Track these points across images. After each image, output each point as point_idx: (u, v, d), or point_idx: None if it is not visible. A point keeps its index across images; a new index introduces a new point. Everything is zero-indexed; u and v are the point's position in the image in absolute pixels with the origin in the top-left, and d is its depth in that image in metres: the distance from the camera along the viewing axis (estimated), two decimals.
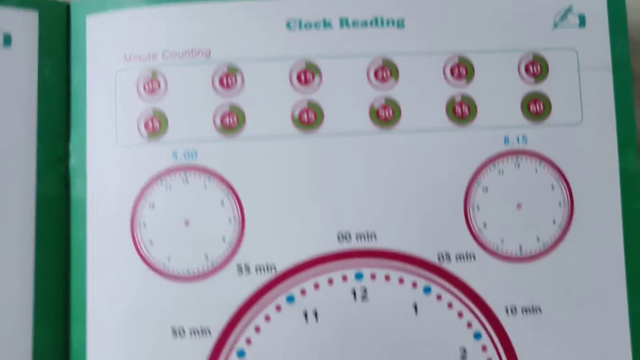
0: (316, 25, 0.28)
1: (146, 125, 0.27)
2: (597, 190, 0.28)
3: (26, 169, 0.26)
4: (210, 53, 0.27)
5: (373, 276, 0.27)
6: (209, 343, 0.26)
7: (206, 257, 0.26)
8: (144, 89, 0.27)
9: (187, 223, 0.26)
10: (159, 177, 0.27)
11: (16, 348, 0.25)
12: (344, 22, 0.28)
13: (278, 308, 0.26)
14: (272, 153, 0.27)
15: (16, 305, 0.25)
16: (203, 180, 0.27)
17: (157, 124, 0.27)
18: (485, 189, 0.27)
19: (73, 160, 0.27)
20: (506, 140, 0.28)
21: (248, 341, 0.26)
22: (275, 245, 0.27)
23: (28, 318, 0.25)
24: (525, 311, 0.27)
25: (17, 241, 0.26)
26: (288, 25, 0.28)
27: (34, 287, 0.26)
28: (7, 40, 0.26)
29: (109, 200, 0.27)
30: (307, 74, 0.27)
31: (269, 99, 0.27)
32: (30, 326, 0.25)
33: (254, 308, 0.26)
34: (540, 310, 0.27)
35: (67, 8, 0.28)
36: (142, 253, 0.26)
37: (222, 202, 0.27)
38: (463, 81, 0.28)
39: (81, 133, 0.27)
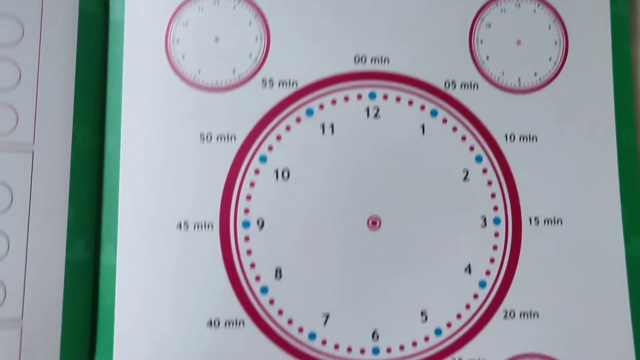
0: None
1: None
2: (589, 32, 0.30)
3: None
4: None
5: (385, 97, 0.29)
6: (234, 148, 0.29)
7: (234, 70, 0.29)
8: None
9: (217, 40, 0.29)
10: None
11: None
12: None
13: (298, 120, 0.29)
14: None
15: None
16: (233, 2, 0.29)
17: None
18: (488, 25, 0.30)
19: None
20: None
21: (270, 148, 0.29)
22: (297, 63, 0.29)
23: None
24: (523, 139, 0.30)
25: None
26: None
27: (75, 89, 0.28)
28: None
29: (146, 19, 0.29)
30: None
31: None
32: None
33: (276, 118, 0.29)
34: (536, 139, 0.30)
35: None
36: (175, 66, 0.29)
37: (250, 22, 0.29)
38: None
39: None
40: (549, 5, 0.30)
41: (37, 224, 0.26)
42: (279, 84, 0.29)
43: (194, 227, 0.28)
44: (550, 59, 0.30)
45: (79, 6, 0.28)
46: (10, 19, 0.27)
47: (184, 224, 0.28)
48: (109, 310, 0.28)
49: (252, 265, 0.28)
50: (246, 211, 0.28)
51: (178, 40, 0.29)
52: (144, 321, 0.27)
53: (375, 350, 0.28)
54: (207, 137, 0.28)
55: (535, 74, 0.30)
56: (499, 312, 0.29)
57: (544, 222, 0.29)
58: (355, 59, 0.29)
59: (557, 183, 0.30)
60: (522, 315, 0.29)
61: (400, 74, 0.30)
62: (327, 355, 0.28)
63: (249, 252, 0.28)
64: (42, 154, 0.27)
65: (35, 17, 0.27)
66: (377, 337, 0.28)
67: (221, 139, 0.29)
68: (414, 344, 0.28)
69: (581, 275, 0.29)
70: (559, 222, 0.29)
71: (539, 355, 0.29)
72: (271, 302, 0.28)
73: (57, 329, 0.26)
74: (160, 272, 0.28)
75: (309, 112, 0.29)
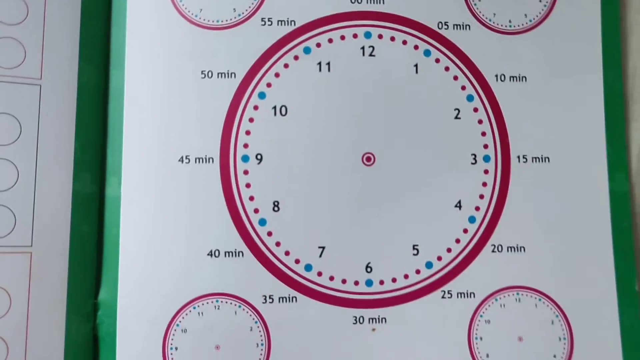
0: None
1: None
2: None
3: None
4: None
5: (380, 36, 0.31)
6: (234, 84, 0.30)
7: (234, 9, 0.30)
8: None
9: None
10: None
11: None
12: None
13: (296, 57, 0.30)
14: None
15: None
16: None
17: None
18: None
19: None
20: None
21: (268, 85, 0.30)
22: (295, 3, 0.30)
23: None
24: (513, 79, 0.31)
25: None
26: None
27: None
28: None
29: None
30: None
31: None
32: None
33: (275, 56, 0.30)
34: (525, 79, 0.31)
35: None
36: (177, 5, 0.30)
37: None
38: None
39: None
40: None
41: (44, 155, 0.28)
42: (278, 23, 0.30)
43: (195, 160, 0.29)
44: (540, 0, 0.31)
45: None
46: None
47: (186, 157, 0.29)
48: (114, 241, 0.29)
49: (251, 198, 0.29)
50: (245, 146, 0.30)
51: None
52: (147, 251, 0.29)
53: (369, 282, 0.30)
54: (207, 74, 0.30)
55: (526, 15, 0.31)
56: (487, 247, 0.30)
57: (532, 159, 0.31)
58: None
59: (545, 122, 0.31)
60: (509, 250, 0.30)
61: (395, 14, 0.31)
62: (323, 286, 0.29)
63: (247, 185, 0.29)
64: (49, 88, 0.28)
65: None
66: (371, 270, 0.30)
67: (221, 75, 0.30)
68: (406, 276, 0.30)
69: (567, 211, 0.31)
70: (547, 160, 0.31)
71: (525, 288, 0.30)
72: (269, 234, 0.29)
73: (65, 257, 0.28)
74: (163, 204, 0.29)
75: (306, 50, 0.30)
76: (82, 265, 0.28)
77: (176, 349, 0.29)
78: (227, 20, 0.30)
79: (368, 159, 0.30)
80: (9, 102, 0.27)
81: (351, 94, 0.30)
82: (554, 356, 0.30)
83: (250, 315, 0.29)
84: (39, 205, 0.27)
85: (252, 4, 0.30)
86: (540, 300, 0.30)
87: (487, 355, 0.29)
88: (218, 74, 0.30)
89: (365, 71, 0.30)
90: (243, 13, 0.30)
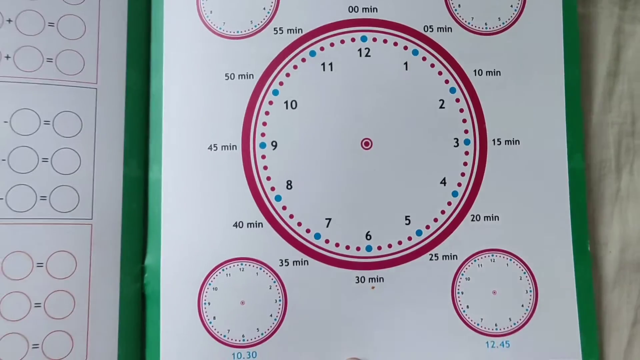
0: None
1: None
2: None
3: None
4: None
5: (374, 39, 0.35)
6: (252, 84, 0.35)
7: (251, 21, 0.35)
8: None
9: None
10: None
11: None
12: None
13: (303, 60, 0.35)
14: None
15: None
16: None
17: None
18: None
19: None
20: None
21: (280, 83, 0.35)
22: (302, 14, 0.35)
23: None
24: (489, 73, 0.36)
25: None
26: None
27: None
28: None
29: None
30: None
31: None
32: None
33: (285, 59, 0.35)
34: (500, 74, 0.36)
35: None
36: (204, 20, 0.35)
37: None
38: None
39: None
40: None
41: (101, 146, 0.33)
42: (287, 31, 0.35)
43: (221, 148, 0.34)
44: (511, 6, 0.36)
45: None
46: None
47: (214, 146, 0.34)
48: (157, 216, 0.34)
49: (268, 178, 0.34)
50: (262, 135, 0.35)
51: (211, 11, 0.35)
52: (184, 224, 0.34)
53: (368, 248, 0.34)
54: (230, 75, 0.35)
55: (499, 19, 0.36)
56: (468, 217, 0.35)
57: (505, 142, 0.35)
58: (349, 8, 0.35)
59: (517, 111, 0.35)
60: (486, 219, 0.35)
61: (386, 20, 0.35)
62: (330, 251, 0.34)
63: (265, 167, 0.35)
64: (103, 91, 0.33)
65: None
66: (370, 237, 0.34)
67: (241, 77, 0.35)
68: (400, 242, 0.34)
69: (533, 186, 0.35)
70: (517, 143, 0.35)
71: (498, 250, 0.35)
72: (284, 208, 0.34)
73: (118, 228, 0.33)
74: (196, 185, 0.34)
75: (312, 54, 0.35)
76: (132, 235, 0.34)
77: (209, 303, 0.33)
78: (245, 31, 0.35)
79: (366, 144, 0.35)
80: (71, 102, 0.33)
81: (351, 89, 0.35)
82: (522, 305, 0.34)
83: (270, 276, 0.34)
84: (97, 186, 0.33)
85: (266, 16, 0.35)
86: (511, 260, 0.35)
87: (467, 307, 0.34)
88: (239, 75, 0.35)
89: (362, 69, 0.35)
90: (258, 24, 0.35)
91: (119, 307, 0.33)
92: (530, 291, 0.35)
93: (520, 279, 0.35)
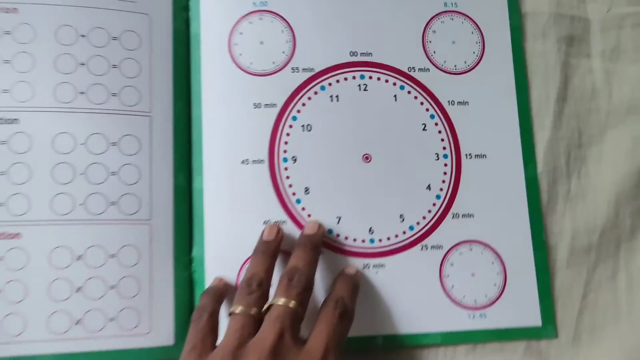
0: None
1: None
2: (497, 35, 0.45)
3: None
4: None
5: (370, 77, 0.44)
6: (275, 111, 0.42)
7: (273, 62, 0.43)
8: None
9: (261, 43, 0.44)
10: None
11: None
12: None
13: (315, 92, 0.43)
14: None
15: None
16: (271, 17, 0.44)
17: None
18: (434, 31, 0.45)
19: None
20: (445, 4, 0.46)
21: (298, 111, 0.43)
22: (314, 57, 0.43)
23: None
24: (460, 103, 0.44)
25: None
26: None
27: None
28: None
29: (215, 31, 0.43)
30: None
31: None
32: None
33: (302, 92, 0.43)
34: (468, 103, 0.44)
35: None
36: (235, 60, 0.43)
37: (282, 31, 0.44)
38: None
39: None
40: (471, 19, 0.46)
41: (155, 162, 0.40)
42: (302, 70, 0.43)
43: (252, 162, 0.41)
44: (474, 52, 0.45)
45: (173, 25, 0.43)
46: (133, 35, 0.42)
47: (246, 160, 0.41)
48: (200, 219, 0.40)
49: (290, 186, 0.41)
50: (284, 151, 0.42)
51: (237, 44, 0.43)
52: (223, 223, 0.40)
53: (372, 240, 0.41)
54: (257, 105, 0.42)
55: (465, 62, 0.45)
56: (449, 215, 0.42)
57: (475, 156, 0.43)
58: (350, 53, 0.44)
59: (482, 131, 0.44)
60: (464, 216, 0.42)
61: (380, 62, 0.44)
62: (340, 243, 0.41)
63: (287, 177, 0.42)
64: (156, 118, 0.41)
65: (147, 34, 0.42)
66: (372, 232, 0.41)
67: (267, 106, 0.42)
68: (396, 236, 0.41)
69: (498, 191, 0.43)
70: (484, 156, 0.43)
71: (475, 241, 0.42)
72: (303, 209, 0.41)
73: (171, 227, 0.40)
74: (232, 192, 0.41)
75: (322, 88, 0.43)
76: (181, 232, 0.40)
77: None
78: (268, 69, 0.43)
79: (367, 158, 0.42)
80: (132, 128, 0.40)
81: (353, 116, 0.43)
82: (495, 285, 0.41)
83: None
84: (154, 194, 0.40)
85: (285, 58, 0.43)
86: (485, 249, 0.42)
87: (452, 287, 0.41)
88: (264, 104, 0.42)
89: (361, 101, 0.43)
90: (279, 65, 0.43)
91: (173, 290, 0.39)
92: (500, 273, 0.42)
93: (492, 263, 0.42)
